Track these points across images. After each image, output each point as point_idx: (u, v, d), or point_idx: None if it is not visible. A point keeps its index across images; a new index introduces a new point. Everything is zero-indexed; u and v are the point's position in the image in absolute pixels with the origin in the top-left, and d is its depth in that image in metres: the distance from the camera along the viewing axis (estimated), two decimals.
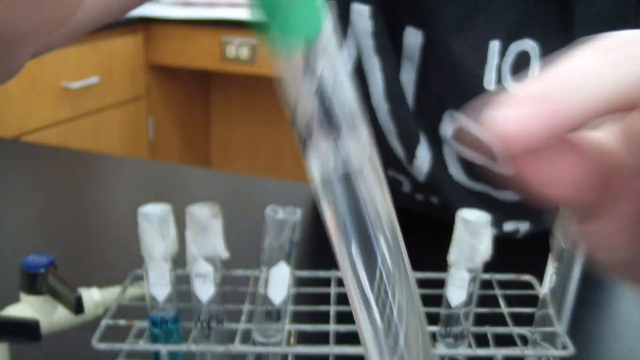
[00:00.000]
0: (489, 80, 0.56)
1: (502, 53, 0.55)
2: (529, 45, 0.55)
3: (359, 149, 0.18)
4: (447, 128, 0.60)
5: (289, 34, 0.17)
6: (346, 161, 0.17)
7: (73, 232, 0.71)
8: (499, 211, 0.63)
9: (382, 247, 0.18)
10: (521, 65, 0.56)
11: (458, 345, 0.38)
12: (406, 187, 0.69)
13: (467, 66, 0.56)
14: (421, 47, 0.58)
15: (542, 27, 0.55)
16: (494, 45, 0.55)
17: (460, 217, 0.36)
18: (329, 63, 0.17)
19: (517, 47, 0.55)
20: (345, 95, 0.17)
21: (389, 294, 0.18)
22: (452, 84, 0.58)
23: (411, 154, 0.63)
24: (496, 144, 0.16)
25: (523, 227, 0.67)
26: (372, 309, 0.18)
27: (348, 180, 0.17)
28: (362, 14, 0.59)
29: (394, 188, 0.70)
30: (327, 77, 0.17)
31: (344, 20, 0.61)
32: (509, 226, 0.67)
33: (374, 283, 0.18)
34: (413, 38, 0.58)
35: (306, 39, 0.17)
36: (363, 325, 0.18)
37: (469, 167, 0.63)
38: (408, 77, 0.60)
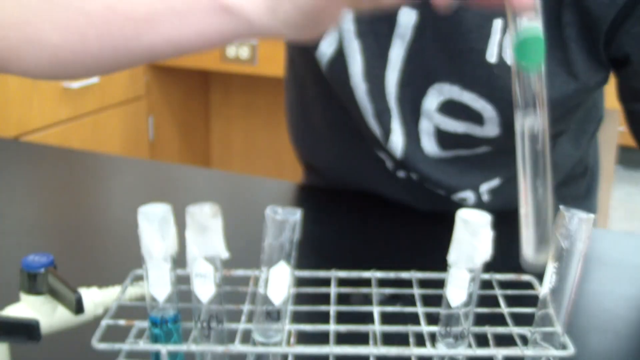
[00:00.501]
0: (491, 54, 0.61)
1: (504, 29, 0.60)
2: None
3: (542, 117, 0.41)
4: (432, 100, 0.66)
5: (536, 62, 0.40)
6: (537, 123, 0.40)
7: (73, 232, 0.71)
8: (470, 172, 0.72)
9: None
10: None
11: (458, 345, 0.38)
12: (389, 164, 0.74)
13: (471, 41, 0.61)
14: (414, 26, 0.63)
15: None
16: (497, 23, 0.60)
17: (460, 217, 0.36)
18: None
19: None
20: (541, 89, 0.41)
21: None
22: (448, 58, 0.63)
23: (386, 130, 0.69)
24: None
25: (494, 183, 0.73)
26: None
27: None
28: None
29: (379, 166, 0.75)
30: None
31: None
32: (484, 187, 0.73)
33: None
34: (407, 17, 0.63)
35: (539, 65, 0.40)
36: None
37: (443, 138, 0.68)
38: (397, 53, 0.65)
